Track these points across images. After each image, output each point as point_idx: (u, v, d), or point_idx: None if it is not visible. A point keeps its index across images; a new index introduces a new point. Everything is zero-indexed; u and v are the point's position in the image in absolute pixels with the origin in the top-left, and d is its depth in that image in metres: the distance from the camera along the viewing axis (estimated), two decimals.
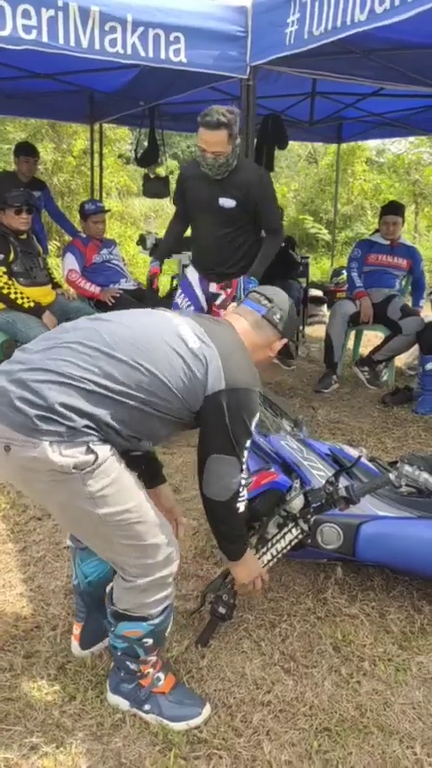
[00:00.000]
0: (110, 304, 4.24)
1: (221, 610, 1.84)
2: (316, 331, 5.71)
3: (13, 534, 2.42)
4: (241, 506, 1.58)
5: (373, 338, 4.76)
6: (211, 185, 2.97)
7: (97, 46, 2.62)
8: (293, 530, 1.85)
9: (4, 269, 3.58)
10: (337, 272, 6.72)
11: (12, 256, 3.63)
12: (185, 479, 2.86)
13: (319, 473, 2.10)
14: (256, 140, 4.00)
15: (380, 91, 4.70)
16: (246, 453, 1.54)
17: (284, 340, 1.70)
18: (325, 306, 6.16)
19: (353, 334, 4.58)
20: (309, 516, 1.84)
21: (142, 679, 1.61)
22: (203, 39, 2.86)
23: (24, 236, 3.73)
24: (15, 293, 3.61)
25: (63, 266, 4.45)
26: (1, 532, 2.44)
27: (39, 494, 1.46)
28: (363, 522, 1.99)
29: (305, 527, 1.84)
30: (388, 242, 4.41)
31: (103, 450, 1.36)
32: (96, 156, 6.32)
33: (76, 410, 1.33)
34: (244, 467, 1.56)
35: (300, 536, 1.87)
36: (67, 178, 9.07)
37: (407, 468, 2.18)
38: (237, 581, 1.77)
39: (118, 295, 4.31)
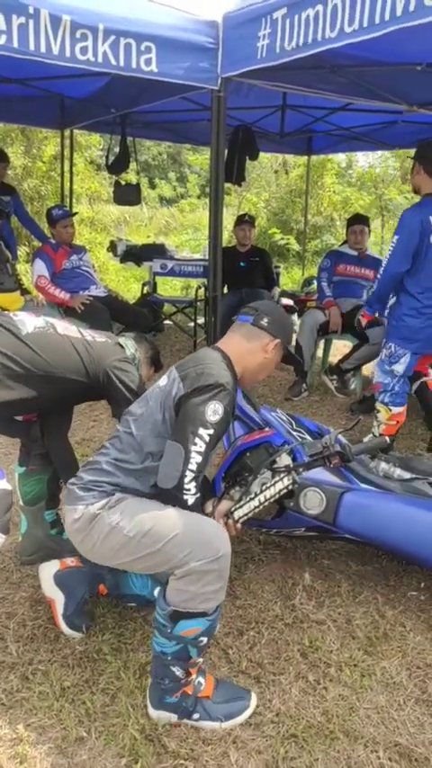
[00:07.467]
0: (79, 311, 4.21)
1: None
2: None
3: None
4: (190, 499, 1.59)
5: (341, 347, 4.83)
6: None
7: (68, 53, 2.61)
8: (285, 479, 1.81)
9: None
10: (308, 282, 6.78)
11: None
12: None
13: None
14: (226, 151, 4.05)
15: (348, 105, 4.80)
16: (202, 450, 1.61)
17: (278, 340, 1.82)
18: (295, 315, 6.21)
19: (322, 342, 4.65)
20: (300, 469, 1.87)
21: (187, 686, 1.62)
22: (174, 49, 2.87)
23: None
24: None
25: (32, 272, 4.40)
26: None
27: (90, 547, 1.68)
28: (346, 491, 2.02)
29: (297, 478, 1.83)
30: (356, 253, 4.50)
31: (118, 495, 1.67)
32: (67, 161, 6.29)
33: (101, 482, 1.69)
34: (196, 460, 1.59)
35: (290, 486, 1.82)
36: (36, 184, 8.97)
37: (383, 465, 2.28)
38: None
39: (87, 302, 4.29)
